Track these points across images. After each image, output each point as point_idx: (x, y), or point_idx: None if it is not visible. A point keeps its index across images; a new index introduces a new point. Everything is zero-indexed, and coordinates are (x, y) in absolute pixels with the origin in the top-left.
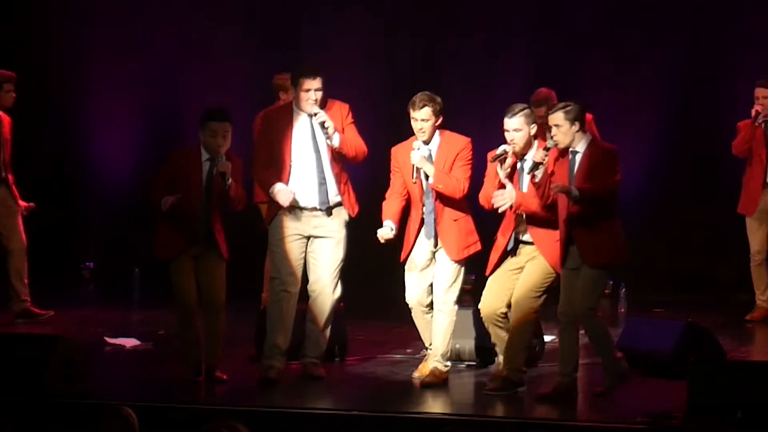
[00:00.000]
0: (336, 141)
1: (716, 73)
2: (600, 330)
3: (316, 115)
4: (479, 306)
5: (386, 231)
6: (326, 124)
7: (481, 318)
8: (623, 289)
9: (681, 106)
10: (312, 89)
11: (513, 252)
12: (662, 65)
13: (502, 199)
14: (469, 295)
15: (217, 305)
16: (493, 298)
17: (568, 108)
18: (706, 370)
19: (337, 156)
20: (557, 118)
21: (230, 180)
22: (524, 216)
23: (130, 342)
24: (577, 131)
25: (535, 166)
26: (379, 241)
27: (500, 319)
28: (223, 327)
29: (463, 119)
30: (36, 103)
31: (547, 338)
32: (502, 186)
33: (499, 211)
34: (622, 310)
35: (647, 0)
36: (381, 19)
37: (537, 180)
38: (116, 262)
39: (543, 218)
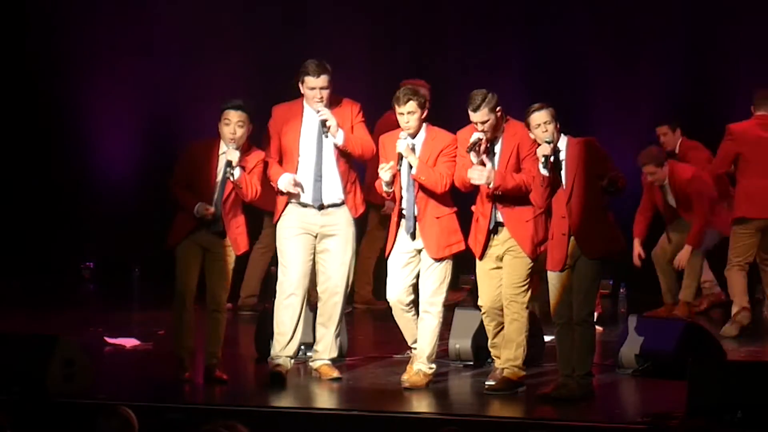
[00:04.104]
0: (339, 139)
1: (716, 73)
2: (592, 342)
3: (318, 112)
4: (479, 303)
5: (387, 171)
6: (328, 123)
7: (482, 316)
8: (623, 289)
9: (681, 105)
10: (317, 87)
11: (495, 231)
12: (662, 65)
13: (479, 175)
14: (470, 295)
15: (218, 304)
16: (491, 290)
17: (549, 105)
18: (706, 370)
19: (343, 154)
20: (545, 115)
21: (237, 169)
22: (495, 198)
23: (130, 342)
24: (558, 130)
25: (546, 159)
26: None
27: (500, 312)
28: (223, 327)
29: (461, 118)
30: (36, 103)
31: (546, 338)
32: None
33: (473, 182)
34: (622, 310)
35: (647, 0)
36: (381, 18)
37: (547, 175)
38: (116, 262)
39: (513, 198)
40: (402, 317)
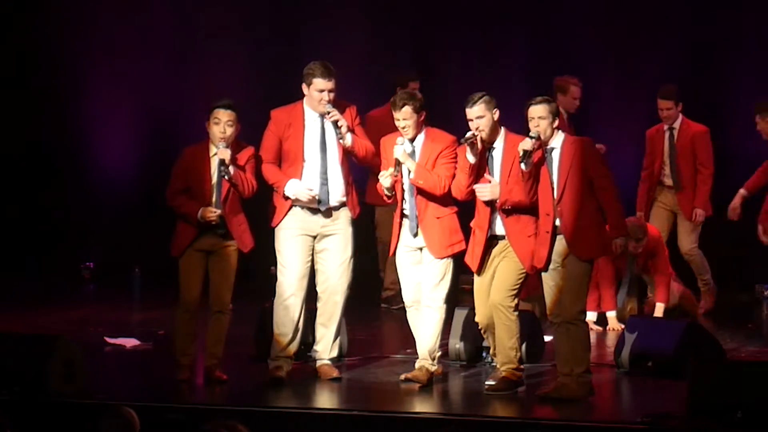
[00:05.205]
0: (349, 140)
1: (717, 72)
2: (586, 339)
3: (329, 114)
4: (476, 319)
5: (387, 178)
6: (339, 123)
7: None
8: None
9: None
10: (326, 89)
11: (492, 243)
12: (662, 65)
13: (486, 191)
14: (470, 295)
15: (222, 305)
16: (487, 309)
17: (551, 101)
18: (706, 370)
19: (347, 156)
20: (542, 110)
21: (230, 167)
22: (497, 211)
23: (130, 342)
24: (555, 127)
25: (526, 154)
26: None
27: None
28: (226, 328)
29: (460, 115)
30: (36, 103)
31: (546, 338)
32: (473, 171)
33: (482, 199)
34: None
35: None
36: (381, 18)
37: (527, 170)
38: (116, 262)
39: (517, 213)
40: (417, 320)
